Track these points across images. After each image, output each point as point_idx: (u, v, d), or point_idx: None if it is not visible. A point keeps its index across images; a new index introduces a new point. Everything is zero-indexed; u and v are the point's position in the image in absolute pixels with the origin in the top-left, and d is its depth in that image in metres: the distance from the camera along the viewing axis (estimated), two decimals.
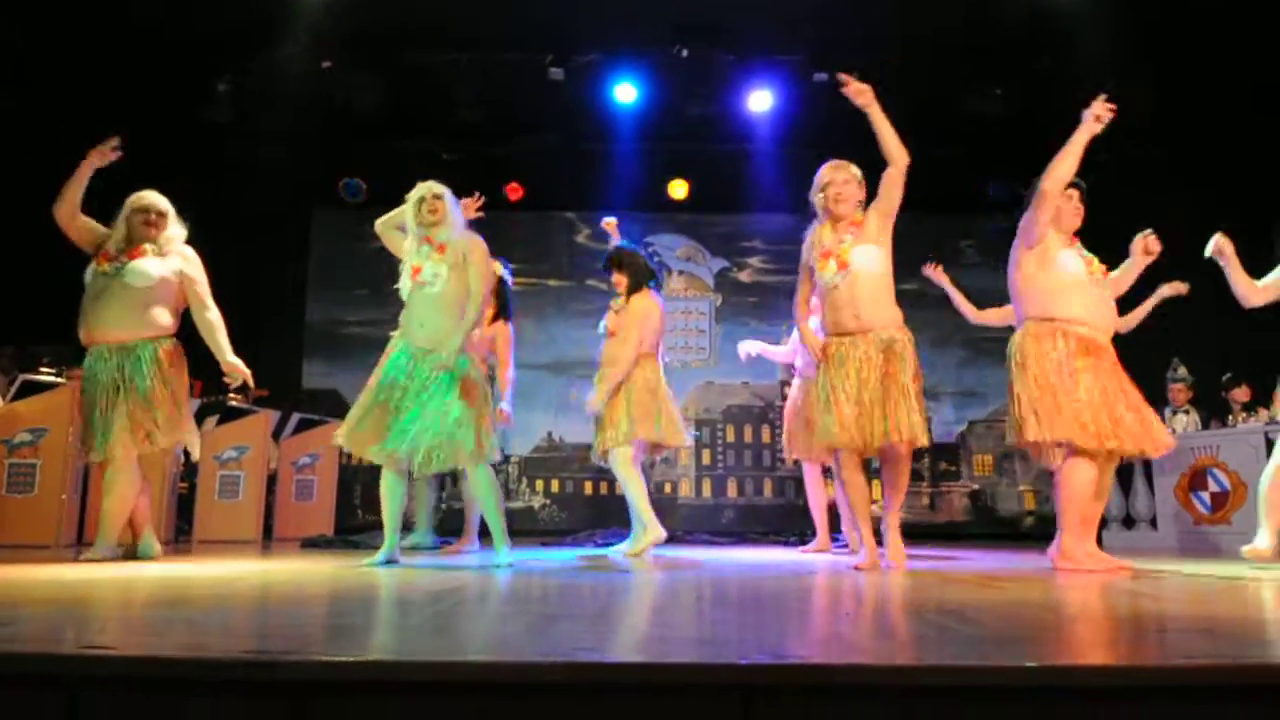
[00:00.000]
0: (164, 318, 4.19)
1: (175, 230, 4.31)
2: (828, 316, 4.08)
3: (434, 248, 3.95)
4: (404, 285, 3.99)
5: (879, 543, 4.07)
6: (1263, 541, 4.09)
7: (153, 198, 4.28)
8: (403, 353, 3.90)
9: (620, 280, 4.98)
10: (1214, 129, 6.99)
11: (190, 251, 4.33)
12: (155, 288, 4.14)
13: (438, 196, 4.02)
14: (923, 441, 3.97)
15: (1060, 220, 3.98)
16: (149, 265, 4.14)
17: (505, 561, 3.90)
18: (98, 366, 4.07)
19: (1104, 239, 4.20)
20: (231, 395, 7.13)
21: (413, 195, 4.06)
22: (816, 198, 4.17)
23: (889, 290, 4.04)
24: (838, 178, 4.12)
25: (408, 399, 3.80)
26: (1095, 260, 4.04)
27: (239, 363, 4.30)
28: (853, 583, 3.29)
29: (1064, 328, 3.83)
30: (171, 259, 4.23)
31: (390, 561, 3.89)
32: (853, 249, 4.00)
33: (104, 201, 4.25)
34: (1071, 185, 3.96)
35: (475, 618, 2.21)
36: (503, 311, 5.30)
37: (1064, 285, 3.87)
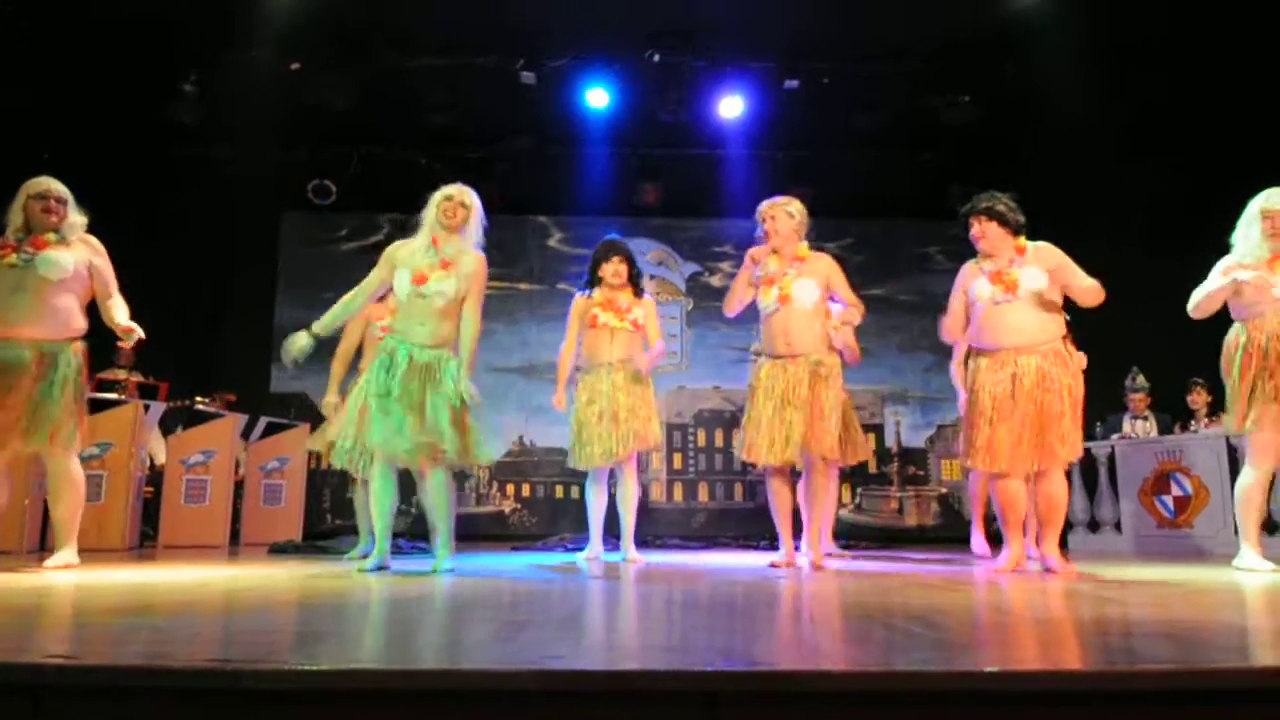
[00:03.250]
0: (79, 318, 4.05)
1: (76, 218, 4.10)
2: (765, 337, 4.45)
3: (440, 259, 3.88)
4: (401, 286, 3.87)
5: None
6: (1249, 560, 4.11)
7: (50, 183, 4.07)
8: (399, 353, 3.84)
9: (625, 270, 4.95)
10: (1181, 123, 7.10)
11: (95, 241, 4.14)
12: (70, 280, 3.97)
13: (465, 205, 3.96)
14: (831, 457, 4.39)
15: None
16: (61, 256, 3.96)
17: (447, 567, 3.87)
18: (9, 360, 3.86)
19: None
20: (199, 399, 7.06)
21: (443, 191, 3.98)
22: (760, 230, 4.51)
23: (820, 319, 4.40)
24: (769, 211, 4.47)
25: (405, 398, 3.76)
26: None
27: (133, 324, 4.10)
28: (819, 588, 3.31)
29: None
30: (79, 249, 4.05)
31: (382, 568, 3.85)
32: (794, 283, 4.34)
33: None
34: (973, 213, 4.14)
35: (443, 625, 2.20)
36: None
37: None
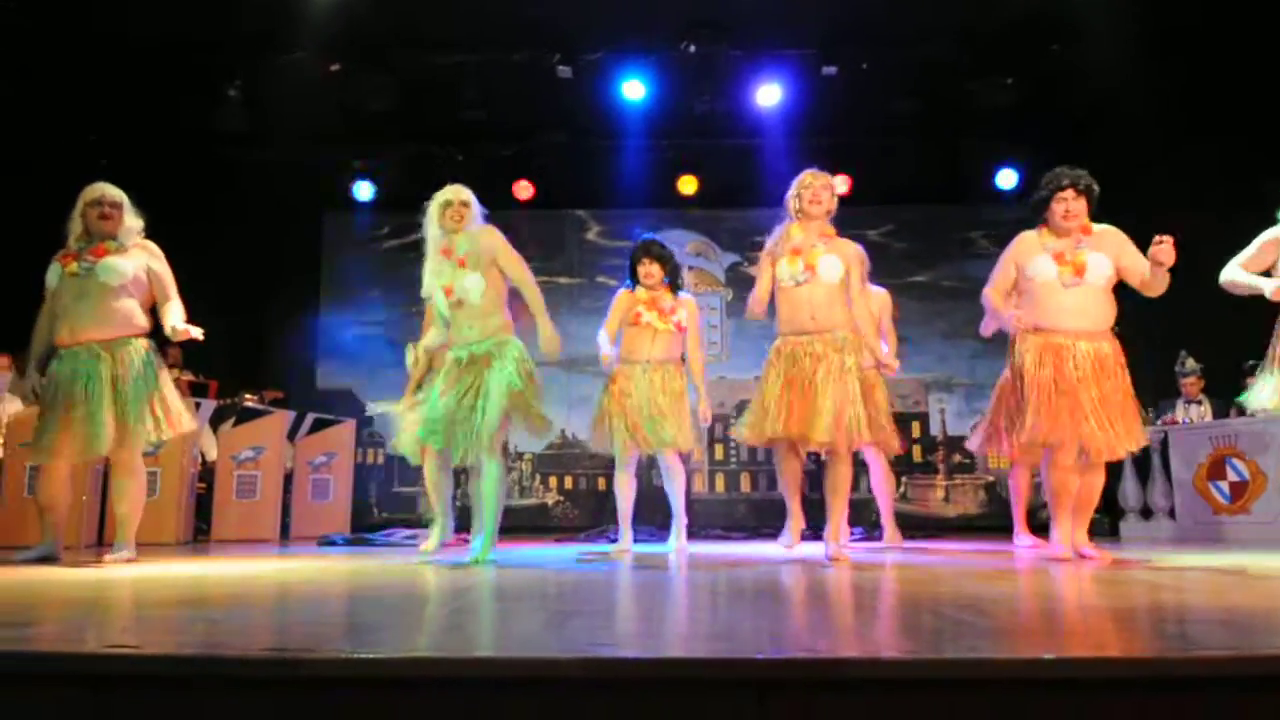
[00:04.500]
0: (141, 317, 4.17)
1: (132, 221, 4.21)
2: (785, 314, 4.17)
3: (454, 263, 3.97)
4: (441, 304, 4.04)
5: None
6: None
7: (105, 189, 4.17)
8: (456, 359, 4.01)
9: (657, 271, 4.90)
10: (1228, 104, 6.92)
11: (153, 245, 4.26)
12: (130, 285, 4.10)
13: (465, 204, 4.04)
14: (864, 439, 4.07)
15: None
16: (120, 263, 4.07)
17: (488, 558, 3.94)
18: (81, 367, 3.97)
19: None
20: (248, 396, 7.20)
21: (438, 198, 4.08)
22: (791, 199, 4.27)
23: (844, 299, 4.14)
24: (815, 183, 4.22)
25: (467, 390, 3.90)
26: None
27: (189, 327, 4.14)
28: (868, 577, 3.29)
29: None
30: (137, 255, 4.16)
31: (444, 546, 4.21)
32: (821, 256, 4.09)
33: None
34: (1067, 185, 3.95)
35: (492, 614, 2.22)
36: None
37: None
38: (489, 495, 3.98)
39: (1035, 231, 4.04)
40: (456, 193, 4.06)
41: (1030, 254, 3.96)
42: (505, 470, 4.07)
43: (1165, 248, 3.71)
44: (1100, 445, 3.83)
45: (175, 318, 4.18)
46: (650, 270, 4.90)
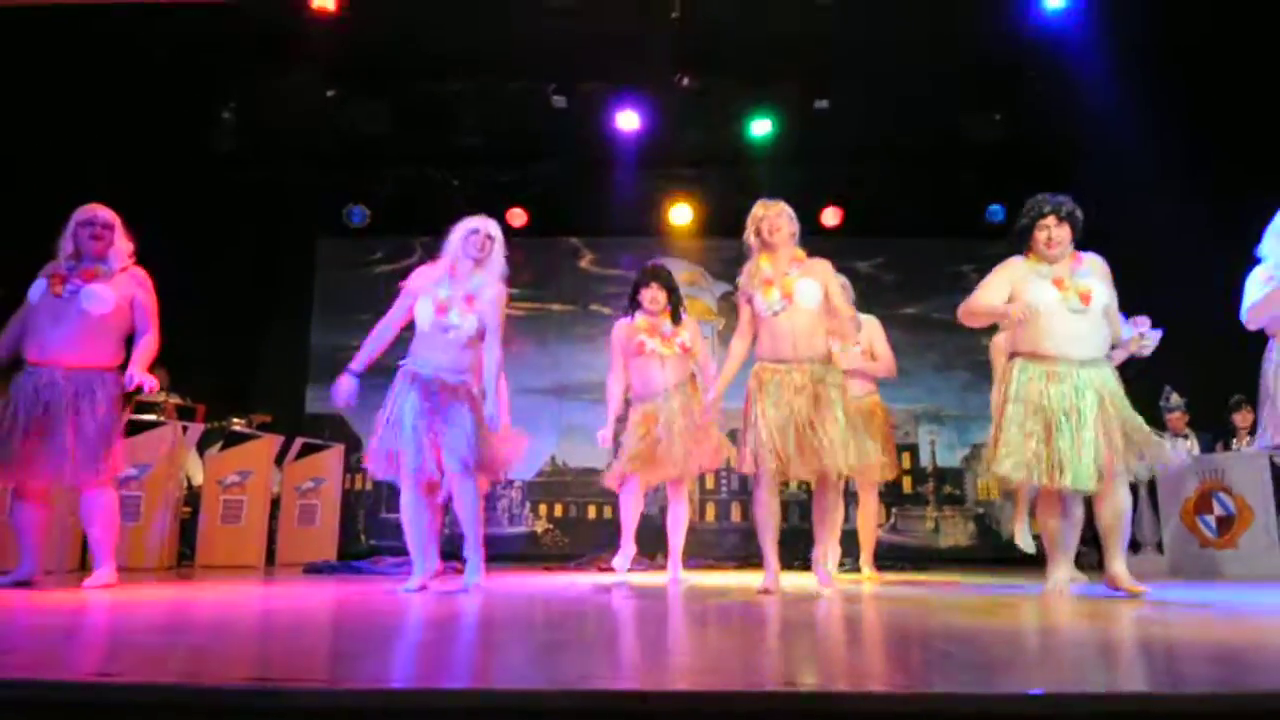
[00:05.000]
0: (115, 350, 4.11)
1: (122, 244, 4.18)
2: (765, 343, 4.09)
3: (463, 293, 3.93)
4: (424, 316, 3.93)
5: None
6: None
7: (99, 210, 4.15)
8: (418, 381, 3.90)
9: (663, 299, 4.89)
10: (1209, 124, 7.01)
11: (141, 272, 4.22)
12: (110, 315, 4.05)
13: (491, 238, 4.03)
14: (849, 468, 3.95)
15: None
16: (104, 292, 4.04)
17: (474, 580, 3.92)
18: (44, 389, 3.92)
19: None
20: (235, 421, 7.16)
21: (468, 223, 4.04)
22: (749, 236, 4.24)
23: (824, 326, 4.09)
24: (769, 213, 4.19)
25: (433, 422, 3.83)
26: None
27: (146, 376, 4.08)
28: (859, 610, 3.27)
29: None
30: (123, 283, 4.13)
31: (423, 588, 3.88)
32: (797, 281, 4.05)
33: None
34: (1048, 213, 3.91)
35: (480, 645, 2.20)
36: None
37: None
38: (469, 514, 3.93)
39: (1023, 258, 3.98)
40: (485, 224, 4.04)
41: (1026, 280, 3.89)
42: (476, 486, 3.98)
43: (1148, 345, 3.73)
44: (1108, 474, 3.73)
45: (137, 362, 4.11)
46: (656, 296, 4.88)
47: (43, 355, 3.98)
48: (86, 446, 3.93)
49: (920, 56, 7.11)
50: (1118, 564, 3.78)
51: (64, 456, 3.88)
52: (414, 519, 3.93)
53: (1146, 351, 4.40)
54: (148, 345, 4.18)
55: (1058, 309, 3.79)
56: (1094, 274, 3.87)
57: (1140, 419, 3.77)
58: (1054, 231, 3.86)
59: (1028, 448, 3.71)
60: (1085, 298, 3.79)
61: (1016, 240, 4.02)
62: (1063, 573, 3.87)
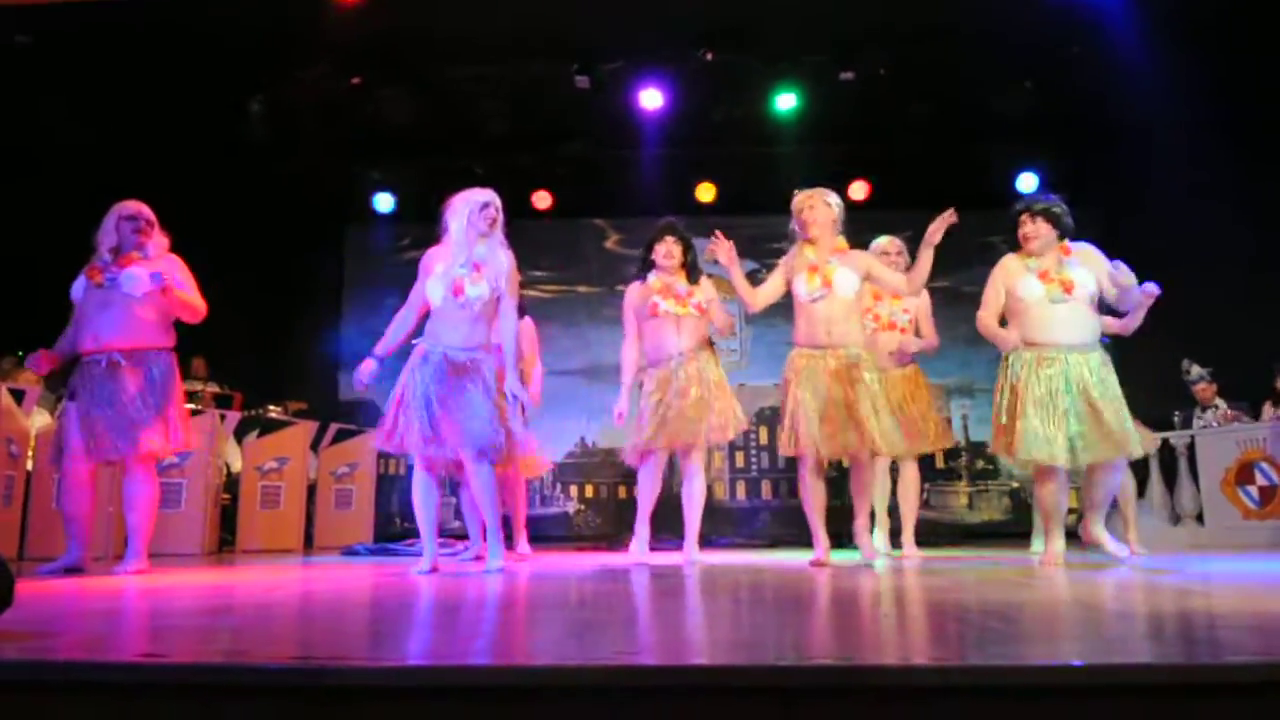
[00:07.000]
0: (164, 329, 4.22)
1: (160, 238, 4.30)
2: (802, 329, 4.36)
3: (472, 266, 3.92)
4: (436, 293, 3.92)
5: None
6: None
7: (140, 205, 4.26)
8: (434, 355, 3.89)
9: (679, 253, 4.73)
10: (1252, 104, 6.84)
11: (176, 258, 4.31)
12: (153, 295, 4.13)
13: (499, 209, 4.04)
14: (881, 450, 4.30)
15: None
16: (142, 273, 4.11)
17: (496, 566, 3.85)
18: (102, 373, 4.03)
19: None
20: (271, 408, 7.26)
21: (477, 198, 4.01)
22: (794, 227, 4.49)
23: (859, 314, 4.46)
24: (807, 203, 4.42)
25: (447, 400, 3.81)
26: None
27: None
28: (891, 584, 3.26)
29: None
30: (160, 266, 4.19)
31: (433, 570, 3.89)
32: (837, 270, 4.30)
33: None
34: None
35: (515, 623, 2.22)
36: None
37: None
38: (484, 499, 3.88)
39: (1015, 255, 4.29)
40: (493, 197, 4.04)
41: (1016, 275, 4.20)
42: (492, 471, 3.90)
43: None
44: (1098, 452, 3.98)
45: (175, 286, 4.17)
46: (672, 250, 4.69)
47: (96, 344, 4.10)
48: (152, 414, 4.06)
49: (947, 23, 7.00)
50: (1096, 527, 4.17)
51: (134, 426, 4.00)
52: (424, 500, 3.94)
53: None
54: (191, 293, 4.24)
55: (1043, 300, 4.10)
56: (1084, 264, 4.13)
57: (1122, 407, 4.01)
58: (1028, 228, 4.22)
59: (1019, 429, 4.01)
60: (1068, 287, 4.08)
61: (1010, 239, 4.37)
62: (1059, 544, 4.10)
